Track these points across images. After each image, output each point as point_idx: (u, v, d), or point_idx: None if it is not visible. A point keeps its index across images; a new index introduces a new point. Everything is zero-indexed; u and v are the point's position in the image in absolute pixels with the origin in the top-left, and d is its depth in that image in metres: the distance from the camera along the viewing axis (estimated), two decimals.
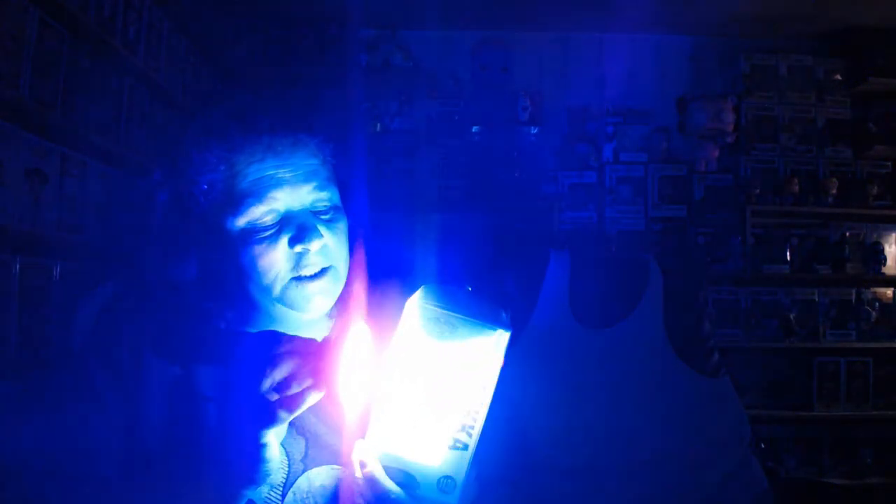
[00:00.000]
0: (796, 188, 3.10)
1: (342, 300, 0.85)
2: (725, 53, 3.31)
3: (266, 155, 0.76)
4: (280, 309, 0.80)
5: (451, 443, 0.68)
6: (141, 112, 2.24)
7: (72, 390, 0.80)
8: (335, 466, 0.81)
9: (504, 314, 0.73)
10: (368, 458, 0.68)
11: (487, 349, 0.67)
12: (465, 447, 0.68)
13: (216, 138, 0.76)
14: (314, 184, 0.78)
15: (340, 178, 0.85)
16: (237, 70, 3.07)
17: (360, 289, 0.87)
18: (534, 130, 3.26)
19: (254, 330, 0.84)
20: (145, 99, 2.27)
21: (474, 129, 3.26)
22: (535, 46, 3.41)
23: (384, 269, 0.92)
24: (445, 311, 0.66)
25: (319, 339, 0.87)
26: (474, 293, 0.75)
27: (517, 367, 1.17)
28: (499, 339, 0.67)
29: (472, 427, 0.68)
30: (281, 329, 0.83)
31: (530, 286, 1.30)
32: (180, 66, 2.55)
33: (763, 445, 3.00)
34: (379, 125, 3.16)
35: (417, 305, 0.66)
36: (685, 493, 1.21)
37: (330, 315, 0.86)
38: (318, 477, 0.81)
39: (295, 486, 0.80)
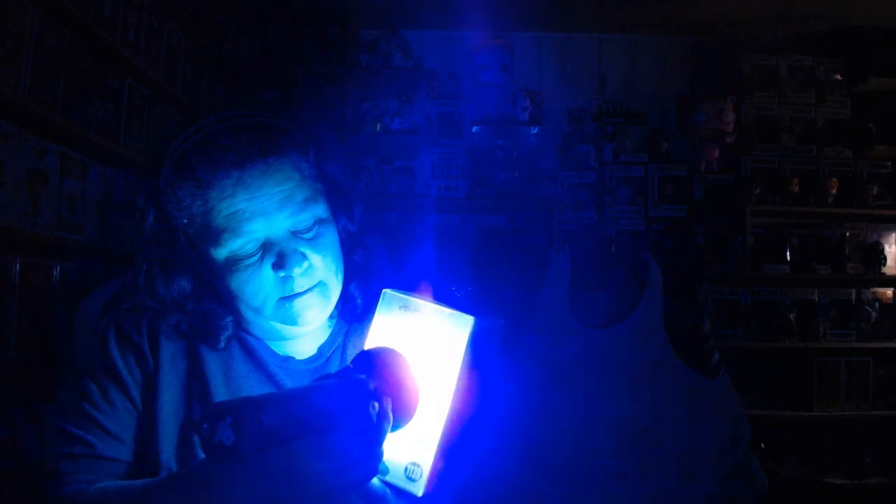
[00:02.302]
0: (796, 188, 3.10)
1: (342, 301, 0.85)
2: (726, 53, 3.31)
3: (236, 189, 0.75)
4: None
5: (417, 429, 0.69)
6: (141, 112, 2.24)
7: (93, 373, 0.81)
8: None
9: (482, 308, 0.74)
10: None
11: (452, 334, 0.67)
12: (432, 434, 0.68)
13: (185, 177, 0.75)
14: (290, 210, 0.77)
15: (329, 179, 0.84)
16: (237, 70, 3.07)
17: (358, 291, 0.87)
18: (534, 130, 3.26)
19: (255, 331, 0.85)
20: (145, 99, 2.27)
21: (474, 129, 3.26)
22: (535, 46, 3.41)
23: (384, 270, 0.92)
24: (411, 297, 0.68)
25: (320, 339, 0.88)
26: (458, 294, 0.77)
27: (518, 368, 1.17)
28: (463, 324, 0.67)
29: (440, 413, 0.68)
30: (280, 336, 0.84)
31: (531, 287, 1.31)
32: (180, 66, 2.55)
33: (763, 446, 3.00)
34: (379, 125, 3.16)
35: (386, 294, 0.69)
36: (686, 494, 1.21)
37: (331, 316, 0.86)
38: None
39: None
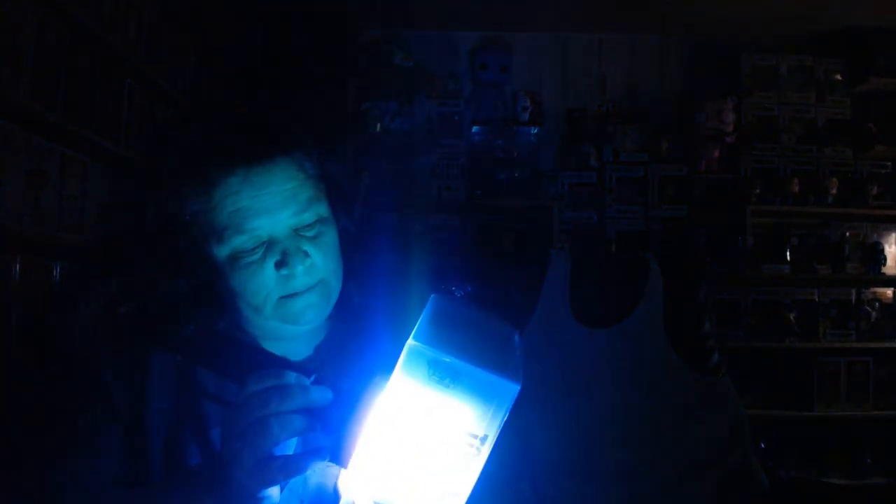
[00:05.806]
0: (796, 188, 3.10)
1: (340, 301, 0.85)
2: (726, 53, 3.31)
3: (241, 187, 0.74)
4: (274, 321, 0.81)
5: (442, 495, 0.64)
6: (141, 112, 2.24)
7: (79, 389, 0.81)
8: (331, 464, 0.81)
9: (515, 352, 0.68)
10: (359, 499, 0.66)
11: (492, 402, 0.61)
12: (456, 498, 0.64)
13: (190, 174, 0.75)
14: (293, 209, 0.77)
15: (331, 178, 0.84)
16: (237, 69, 3.07)
17: (356, 291, 0.87)
18: (534, 130, 3.26)
19: (253, 330, 0.85)
20: (145, 99, 2.27)
21: (474, 129, 3.26)
22: (535, 46, 3.41)
23: (383, 272, 0.91)
24: (449, 357, 0.60)
25: (317, 340, 0.88)
26: (484, 321, 0.70)
27: None
28: (505, 393, 0.61)
29: (467, 478, 0.63)
30: (277, 336, 0.84)
31: (531, 287, 1.31)
32: (180, 66, 2.55)
33: (763, 445, 3.00)
34: (379, 125, 3.16)
35: (417, 347, 0.60)
36: (686, 493, 1.21)
37: (328, 316, 0.86)
38: (314, 476, 0.81)
39: (291, 483, 0.80)
